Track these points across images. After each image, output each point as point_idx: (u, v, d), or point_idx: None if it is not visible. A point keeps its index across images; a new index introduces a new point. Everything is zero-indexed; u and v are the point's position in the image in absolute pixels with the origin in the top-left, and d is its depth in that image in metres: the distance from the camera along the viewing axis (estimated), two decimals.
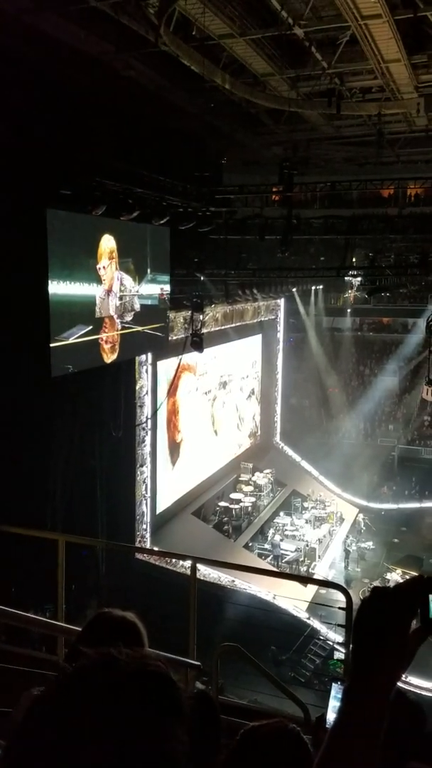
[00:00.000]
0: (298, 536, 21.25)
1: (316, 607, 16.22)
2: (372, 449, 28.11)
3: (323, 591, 16.37)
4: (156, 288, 14.96)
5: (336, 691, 2.76)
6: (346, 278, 25.88)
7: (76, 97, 12.14)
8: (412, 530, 23.79)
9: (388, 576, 19.75)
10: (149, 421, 17.36)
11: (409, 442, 28.83)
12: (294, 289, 26.78)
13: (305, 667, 16.25)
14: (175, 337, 17.03)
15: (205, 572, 15.51)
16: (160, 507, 18.66)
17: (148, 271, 14.49)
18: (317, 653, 16.66)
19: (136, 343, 14.81)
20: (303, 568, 19.69)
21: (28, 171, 10.67)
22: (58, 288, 11.32)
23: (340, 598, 5.01)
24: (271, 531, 21.57)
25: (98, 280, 12.77)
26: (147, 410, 17.23)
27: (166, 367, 18.17)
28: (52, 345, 11.15)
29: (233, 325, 22.39)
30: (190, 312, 16.69)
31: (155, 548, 17.37)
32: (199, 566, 5.68)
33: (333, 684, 2.83)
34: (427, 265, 17.83)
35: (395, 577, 19.32)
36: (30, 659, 5.18)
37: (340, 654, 15.39)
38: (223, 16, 11.87)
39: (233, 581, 16.97)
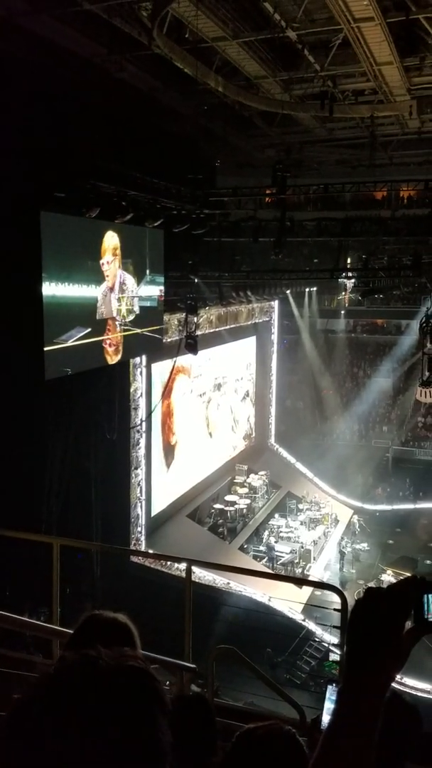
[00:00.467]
0: (293, 538, 21.25)
1: (311, 608, 16.24)
2: (366, 451, 28.16)
3: (318, 593, 16.41)
4: (155, 289, 14.99)
5: (331, 694, 2.76)
6: (339, 280, 25.92)
7: (69, 99, 12.12)
8: (406, 531, 23.83)
9: (383, 577, 19.77)
10: (144, 424, 17.34)
11: (403, 443, 28.89)
12: (288, 291, 26.82)
13: (301, 669, 16.25)
14: (169, 339, 17.02)
15: (201, 575, 15.48)
16: (155, 509, 18.63)
17: (147, 272, 14.51)
18: (312, 655, 16.66)
19: (137, 345, 14.86)
20: (298, 570, 19.69)
21: (22, 173, 10.65)
22: (54, 290, 11.27)
23: (335, 599, 5.01)
24: (266, 533, 21.58)
25: (100, 279, 12.77)
26: (141, 412, 17.22)
27: (161, 369, 18.16)
28: (47, 349, 11.12)
29: (227, 327, 22.41)
30: (184, 314, 16.69)
31: (150, 551, 17.35)
32: (195, 569, 5.66)
33: (329, 686, 2.82)
34: (420, 266, 17.87)
35: (390, 578, 19.34)
36: (25, 663, 5.16)
37: (335, 656, 15.38)
38: (216, 19, 11.90)
39: (228, 583, 16.95)
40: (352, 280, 24.86)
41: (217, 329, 21.51)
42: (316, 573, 19.92)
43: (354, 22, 11.26)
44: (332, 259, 19.58)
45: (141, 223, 13.63)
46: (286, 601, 16.15)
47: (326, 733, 1.09)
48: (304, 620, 16.99)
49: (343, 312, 31.52)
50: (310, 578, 18.23)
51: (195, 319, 16.88)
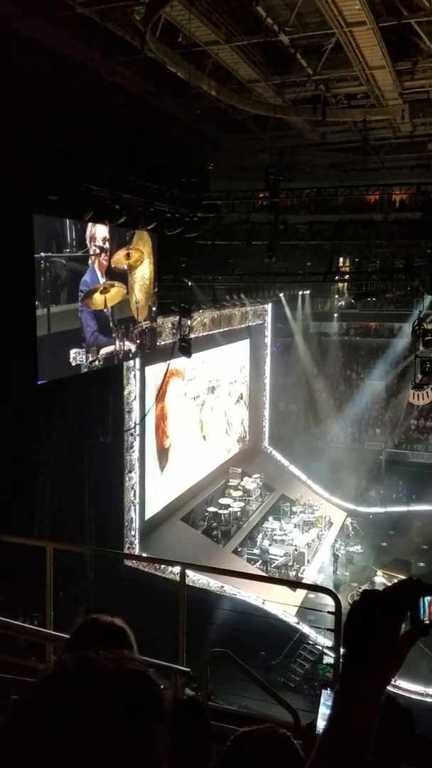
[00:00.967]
0: (286, 541, 21.25)
1: (305, 611, 16.25)
2: (359, 453, 28.19)
3: (312, 595, 16.39)
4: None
5: (326, 698, 2.75)
6: (333, 283, 26.00)
7: (62, 102, 12.12)
8: (400, 534, 23.87)
9: (377, 580, 19.79)
10: (137, 427, 17.31)
11: (396, 445, 28.95)
12: (281, 294, 26.86)
13: (295, 672, 16.24)
14: (163, 342, 17.01)
15: (194, 578, 15.47)
16: (149, 513, 18.60)
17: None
18: (307, 658, 16.65)
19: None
20: (292, 573, 19.69)
21: (15, 176, 10.63)
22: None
23: (329, 602, 5.02)
24: (260, 536, 21.57)
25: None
26: (135, 416, 17.19)
27: (155, 372, 18.14)
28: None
29: (221, 330, 22.43)
30: (177, 317, 16.69)
31: (144, 554, 17.30)
32: (188, 572, 5.66)
33: (323, 690, 2.82)
34: (413, 270, 17.94)
35: (383, 580, 19.36)
36: (18, 667, 5.14)
37: (329, 658, 15.38)
38: (209, 23, 11.92)
39: (222, 587, 16.94)
40: (345, 283, 24.96)
41: (210, 332, 21.52)
42: (309, 576, 19.91)
43: (346, 26, 11.31)
44: (325, 262, 19.63)
45: (134, 226, 13.64)
46: (280, 604, 16.14)
47: (323, 735, 1.09)
48: (298, 623, 16.98)
49: (336, 315, 31.61)
50: (304, 581, 18.22)
51: (188, 322, 16.89)
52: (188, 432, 21.63)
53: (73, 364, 11.79)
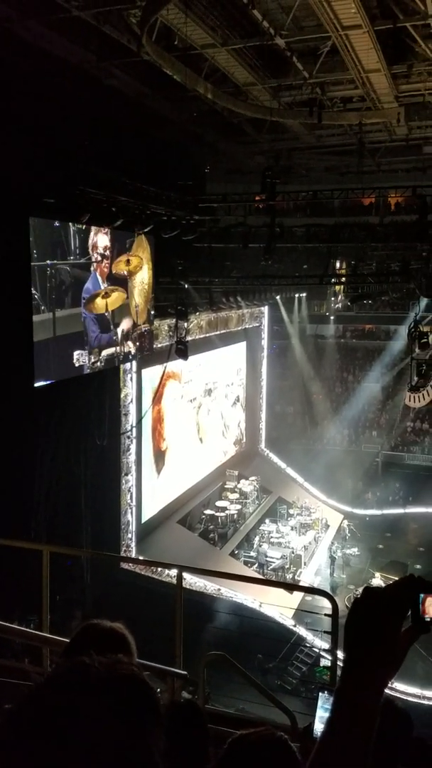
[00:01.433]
0: (283, 543, 21.24)
1: (302, 614, 16.21)
2: (356, 455, 28.22)
3: (309, 598, 16.40)
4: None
5: (323, 701, 2.75)
6: (329, 286, 26.03)
7: (58, 105, 12.12)
8: (396, 536, 23.89)
9: (374, 582, 19.79)
10: (134, 430, 17.29)
11: (392, 448, 28.99)
12: (278, 297, 26.91)
13: (292, 675, 16.23)
14: (159, 345, 17.00)
15: (191, 581, 15.43)
16: (146, 516, 18.57)
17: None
18: (303, 660, 16.64)
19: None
20: (289, 576, 19.67)
21: (11, 179, 10.63)
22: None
23: (326, 604, 5.01)
24: (257, 538, 21.56)
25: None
26: (132, 418, 17.17)
27: (151, 374, 18.13)
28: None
29: (218, 332, 22.43)
30: (174, 320, 16.69)
31: (141, 557, 17.27)
32: (185, 575, 5.65)
33: (320, 693, 2.81)
34: (408, 272, 17.99)
35: (380, 583, 19.37)
36: (13, 671, 5.12)
37: (326, 661, 15.37)
38: (205, 26, 11.96)
39: (219, 589, 16.91)
40: (342, 286, 25.00)
41: (207, 335, 21.52)
42: (306, 578, 19.91)
43: (342, 30, 11.35)
44: (321, 264, 19.67)
45: (131, 229, 13.65)
46: (277, 606, 16.12)
47: (323, 734, 1.09)
48: (294, 626, 16.97)
49: (332, 317, 31.66)
50: (301, 583, 18.22)
51: (185, 324, 16.89)
52: (185, 434, 21.62)
53: (77, 365, 12.24)
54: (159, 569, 16.16)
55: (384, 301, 28.64)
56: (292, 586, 16.55)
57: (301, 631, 16.92)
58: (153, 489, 19.05)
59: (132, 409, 17.13)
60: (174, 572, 5.74)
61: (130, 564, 16.65)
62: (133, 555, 17.22)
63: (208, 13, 11.68)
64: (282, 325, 28.92)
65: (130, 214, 13.38)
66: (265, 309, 27.04)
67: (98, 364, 12.95)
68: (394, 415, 29.64)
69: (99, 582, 15.22)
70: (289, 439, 28.54)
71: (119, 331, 13.75)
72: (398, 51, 12.56)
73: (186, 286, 16.89)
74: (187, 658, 5.11)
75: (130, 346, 14.32)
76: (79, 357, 12.28)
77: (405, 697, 14.07)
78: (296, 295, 28.59)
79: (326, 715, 1.16)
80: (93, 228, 12.38)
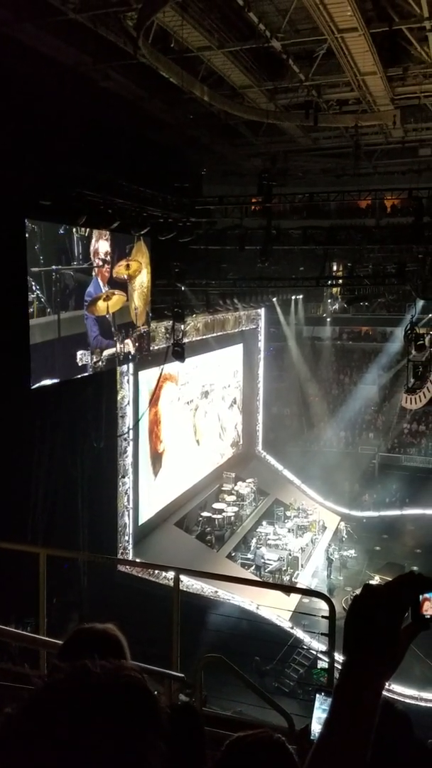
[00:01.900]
0: (280, 545, 21.23)
1: (299, 616, 16.21)
2: (353, 457, 28.25)
3: (306, 600, 16.40)
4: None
5: (320, 703, 2.75)
6: (325, 288, 26.06)
7: (54, 107, 12.13)
8: (393, 537, 23.91)
9: (371, 583, 19.80)
10: (131, 432, 17.28)
11: (389, 449, 29.02)
12: (274, 299, 26.94)
13: (289, 677, 16.22)
14: (156, 347, 17.00)
15: (188, 583, 15.41)
16: (143, 518, 18.55)
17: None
18: (301, 663, 16.63)
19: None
20: (286, 578, 19.66)
21: (7, 181, 10.62)
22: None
23: (323, 606, 5.00)
24: (254, 540, 21.54)
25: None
26: (129, 420, 17.16)
27: (148, 377, 18.12)
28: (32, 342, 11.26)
29: (214, 334, 22.44)
30: (171, 322, 16.69)
31: (138, 560, 17.26)
32: (182, 577, 5.64)
33: (317, 695, 2.81)
34: (405, 274, 18.03)
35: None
36: (9, 674, 5.10)
37: (323, 663, 15.36)
38: (202, 29, 11.97)
39: (216, 592, 16.89)
40: (338, 288, 25.04)
41: (204, 337, 21.53)
42: (303, 580, 19.91)
43: (338, 33, 11.38)
44: (318, 267, 19.69)
45: (127, 231, 13.66)
46: (274, 608, 16.10)
47: (323, 729, 1.09)
48: (292, 628, 16.96)
49: (329, 319, 31.70)
50: (298, 585, 18.20)
51: (182, 326, 16.89)
52: (182, 437, 21.61)
53: (80, 364, 12.66)
54: (156, 571, 16.14)
55: (380, 303, 28.69)
56: (289, 588, 16.54)
57: (298, 633, 16.91)
58: (150, 491, 19.03)
59: (129, 411, 17.13)
60: (171, 574, 5.72)
61: (127, 566, 16.64)
62: (130, 557, 17.20)
63: (205, 15, 11.69)
64: (278, 327, 28.97)
65: (127, 217, 13.39)
66: (262, 311, 27.07)
67: (100, 363, 13.38)
68: (390, 417, 29.68)
69: (96, 584, 15.19)
70: (286, 441, 28.55)
71: (120, 332, 14.10)
72: (394, 54, 12.59)
73: (183, 288, 16.90)
74: (184, 660, 5.10)
75: (130, 347, 14.60)
76: (82, 357, 12.70)
77: (402, 699, 14.08)
78: (293, 297, 28.65)
79: (323, 716, 1.15)
80: (94, 234, 12.71)
